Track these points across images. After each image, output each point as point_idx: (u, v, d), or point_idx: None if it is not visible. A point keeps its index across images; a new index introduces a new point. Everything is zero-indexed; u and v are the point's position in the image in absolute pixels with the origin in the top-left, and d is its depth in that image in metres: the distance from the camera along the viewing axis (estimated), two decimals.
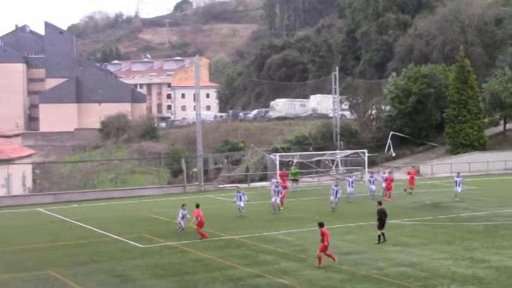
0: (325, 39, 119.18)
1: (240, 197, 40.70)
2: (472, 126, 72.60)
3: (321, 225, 27.00)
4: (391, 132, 74.93)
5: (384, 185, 47.47)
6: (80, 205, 49.29)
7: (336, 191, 42.15)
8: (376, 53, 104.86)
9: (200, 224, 32.95)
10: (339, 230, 35.47)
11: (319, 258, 26.55)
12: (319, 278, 25.05)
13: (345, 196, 45.20)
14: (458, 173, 47.83)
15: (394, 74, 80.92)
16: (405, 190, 48.90)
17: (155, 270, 26.61)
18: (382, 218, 30.96)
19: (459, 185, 46.26)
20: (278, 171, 46.12)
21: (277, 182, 43.62)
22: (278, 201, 42.24)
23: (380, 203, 31.95)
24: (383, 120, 79.75)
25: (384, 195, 46.69)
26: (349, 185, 46.11)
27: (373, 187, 47.37)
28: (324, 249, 26.60)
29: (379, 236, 31.01)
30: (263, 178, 64.56)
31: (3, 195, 55.36)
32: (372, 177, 48.24)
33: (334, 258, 26.73)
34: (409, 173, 51.32)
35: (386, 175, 48.20)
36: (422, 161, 71.59)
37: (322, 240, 26.52)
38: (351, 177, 48.90)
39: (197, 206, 33.23)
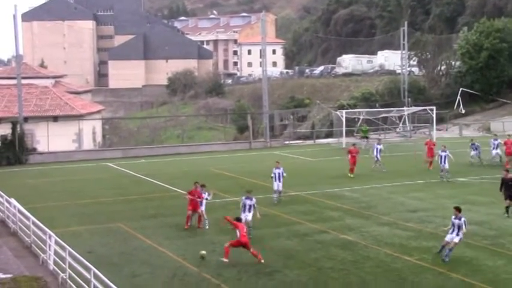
0: None
1: (249, 206, 25.42)
2: None
3: (238, 220, 22.51)
4: (461, 89, 73.23)
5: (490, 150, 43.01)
6: (147, 160, 50.18)
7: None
8: (447, 7, 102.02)
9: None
10: (406, 187, 35.18)
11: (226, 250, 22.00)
12: (385, 235, 24.96)
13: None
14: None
15: (465, 28, 78.70)
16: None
17: (221, 225, 26.93)
18: (508, 187, 28.05)
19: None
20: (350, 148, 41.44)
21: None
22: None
23: (508, 171, 29.19)
24: (452, 76, 77.99)
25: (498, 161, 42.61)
26: (494, 147, 42.56)
27: (499, 151, 42.59)
28: (236, 243, 21.95)
29: (506, 208, 27.97)
30: (329, 135, 64.30)
31: (75, 149, 56.85)
32: (495, 140, 43.19)
33: (259, 258, 21.76)
34: (505, 144, 42.47)
35: (498, 141, 43.15)
36: (492, 118, 69.88)
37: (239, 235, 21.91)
38: (496, 139, 43.31)
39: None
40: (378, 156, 41.62)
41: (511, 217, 27.49)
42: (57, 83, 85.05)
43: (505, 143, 42.27)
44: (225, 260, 21.52)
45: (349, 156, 39.40)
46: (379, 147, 42.18)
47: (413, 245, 23.64)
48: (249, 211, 25.02)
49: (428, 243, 23.79)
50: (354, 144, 42.04)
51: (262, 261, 21.62)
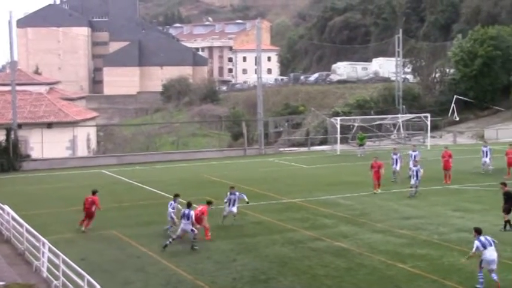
0: (388, 1, 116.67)
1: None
2: None
3: (93, 192, 28.15)
4: (455, 96, 73.40)
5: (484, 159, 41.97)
6: (142, 167, 50.11)
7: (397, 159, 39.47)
8: (441, 14, 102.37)
9: None
10: (400, 194, 35.15)
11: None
12: (379, 242, 24.97)
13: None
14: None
15: (459, 36, 78.88)
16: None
17: (216, 232, 26.89)
18: (509, 201, 26.56)
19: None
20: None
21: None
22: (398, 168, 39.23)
23: (505, 185, 27.63)
24: (447, 83, 78.13)
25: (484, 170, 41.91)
26: (484, 154, 41.56)
27: (487, 160, 41.48)
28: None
29: (505, 222, 26.50)
30: (323, 142, 64.32)
31: (69, 156, 56.75)
32: (485, 146, 42.05)
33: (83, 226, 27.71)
34: (506, 154, 40.74)
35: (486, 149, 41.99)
36: (487, 125, 70.01)
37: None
38: (486, 146, 42.21)
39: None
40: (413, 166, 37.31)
41: (507, 231, 26.22)
42: (51, 90, 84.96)
43: (507, 153, 40.48)
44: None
45: (372, 171, 36.18)
46: (414, 153, 39.22)
47: (407, 252, 23.64)
48: (233, 205, 27.94)
49: (422, 250, 23.80)
50: (375, 158, 37.65)
51: (83, 229, 27.14)
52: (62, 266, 18.95)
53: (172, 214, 26.68)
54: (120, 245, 25.34)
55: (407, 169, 38.77)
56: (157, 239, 26.16)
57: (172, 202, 27.12)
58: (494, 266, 19.55)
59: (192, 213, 24.49)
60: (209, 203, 26.33)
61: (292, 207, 32.32)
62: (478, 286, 19.54)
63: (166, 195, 36.24)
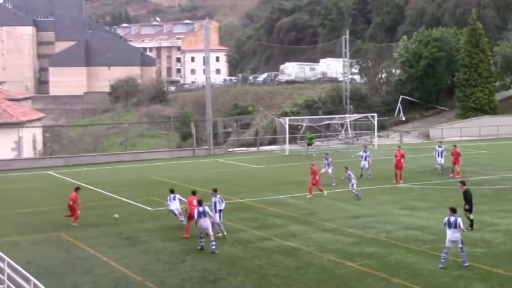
0: (335, 2, 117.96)
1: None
2: (482, 90, 72.08)
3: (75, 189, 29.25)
4: (401, 96, 74.63)
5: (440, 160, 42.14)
6: (89, 168, 49.50)
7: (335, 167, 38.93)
8: (387, 16, 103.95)
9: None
10: (349, 193, 35.44)
11: None
12: (328, 241, 25.17)
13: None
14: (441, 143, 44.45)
15: (404, 37, 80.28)
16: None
17: (164, 233, 26.77)
18: (470, 200, 26.41)
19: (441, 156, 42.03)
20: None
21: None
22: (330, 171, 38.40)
23: (464, 183, 27.37)
24: (393, 84, 79.44)
25: (440, 170, 42.03)
26: (438, 154, 41.88)
27: (442, 160, 41.98)
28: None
29: (471, 221, 26.33)
30: (272, 142, 64.61)
31: (14, 158, 55.69)
32: (440, 147, 42.30)
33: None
34: (452, 154, 41.37)
35: (442, 148, 42.36)
36: (431, 125, 71.41)
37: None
38: (441, 147, 42.22)
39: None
40: (366, 164, 39.40)
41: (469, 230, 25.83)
42: None
43: (453, 154, 41.02)
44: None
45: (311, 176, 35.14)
46: (365, 154, 40.12)
47: (356, 250, 23.89)
48: (215, 210, 25.69)
49: (370, 248, 24.09)
50: (312, 164, 36.37)
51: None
52: (8, 270, 18.56)
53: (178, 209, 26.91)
54: (68, 247, 24.98)
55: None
56: (106, 240, 25.90)
57: (174, 195, 27.35)
58: (450, 245, 21.43)
59: (207, 208, 23.81)
60: (193, 192, 26.27)
61: (241, 207, 32.34)
62: (440, 266, 21.36)
63: (114, 196, 35.96)
